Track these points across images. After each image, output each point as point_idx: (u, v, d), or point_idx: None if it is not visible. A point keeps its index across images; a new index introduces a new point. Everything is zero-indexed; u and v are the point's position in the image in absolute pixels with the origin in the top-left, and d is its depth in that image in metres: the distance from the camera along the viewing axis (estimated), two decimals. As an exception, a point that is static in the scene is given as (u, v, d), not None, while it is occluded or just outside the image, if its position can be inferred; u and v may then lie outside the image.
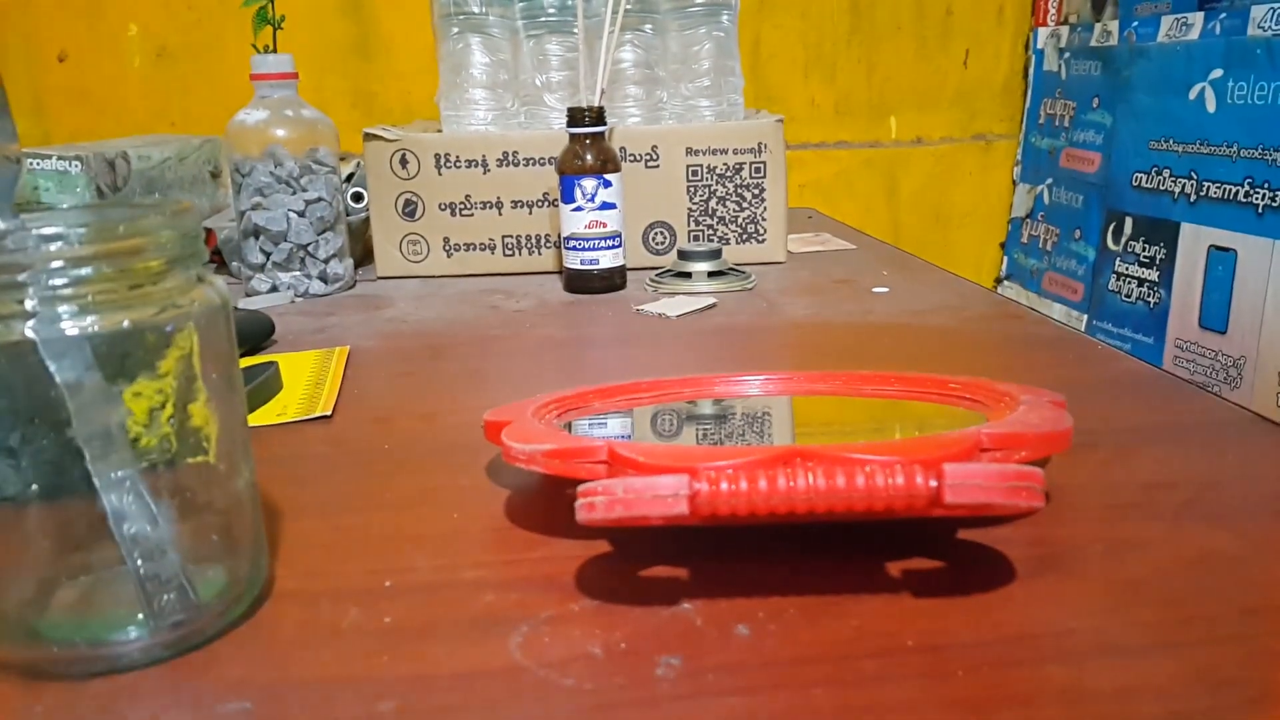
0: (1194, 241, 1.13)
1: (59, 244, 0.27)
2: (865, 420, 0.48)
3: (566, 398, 0.45)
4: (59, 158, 0.90)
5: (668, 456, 0.32)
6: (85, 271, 0.27)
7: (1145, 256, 1.22)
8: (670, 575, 0.34)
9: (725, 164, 0.90)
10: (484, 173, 0.89)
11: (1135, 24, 1.25)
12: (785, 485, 0.28)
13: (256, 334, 0.69)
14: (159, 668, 0.30)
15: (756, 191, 0.90)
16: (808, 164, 1.52)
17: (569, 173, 0.81)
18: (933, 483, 0.28)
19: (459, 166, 0.89)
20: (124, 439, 0.29)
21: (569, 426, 0.43)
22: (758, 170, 0.90)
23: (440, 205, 0.90)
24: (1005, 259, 1.60)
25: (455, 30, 0.91)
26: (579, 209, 0.81)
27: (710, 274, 0.83)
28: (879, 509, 0.28)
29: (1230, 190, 1.07)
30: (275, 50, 0.83)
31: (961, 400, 0.43)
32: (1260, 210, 1.03)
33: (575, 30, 0.88)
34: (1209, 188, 1.11)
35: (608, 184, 0.81)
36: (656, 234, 0.91)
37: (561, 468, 0.34)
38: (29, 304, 0.27)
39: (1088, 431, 0.45)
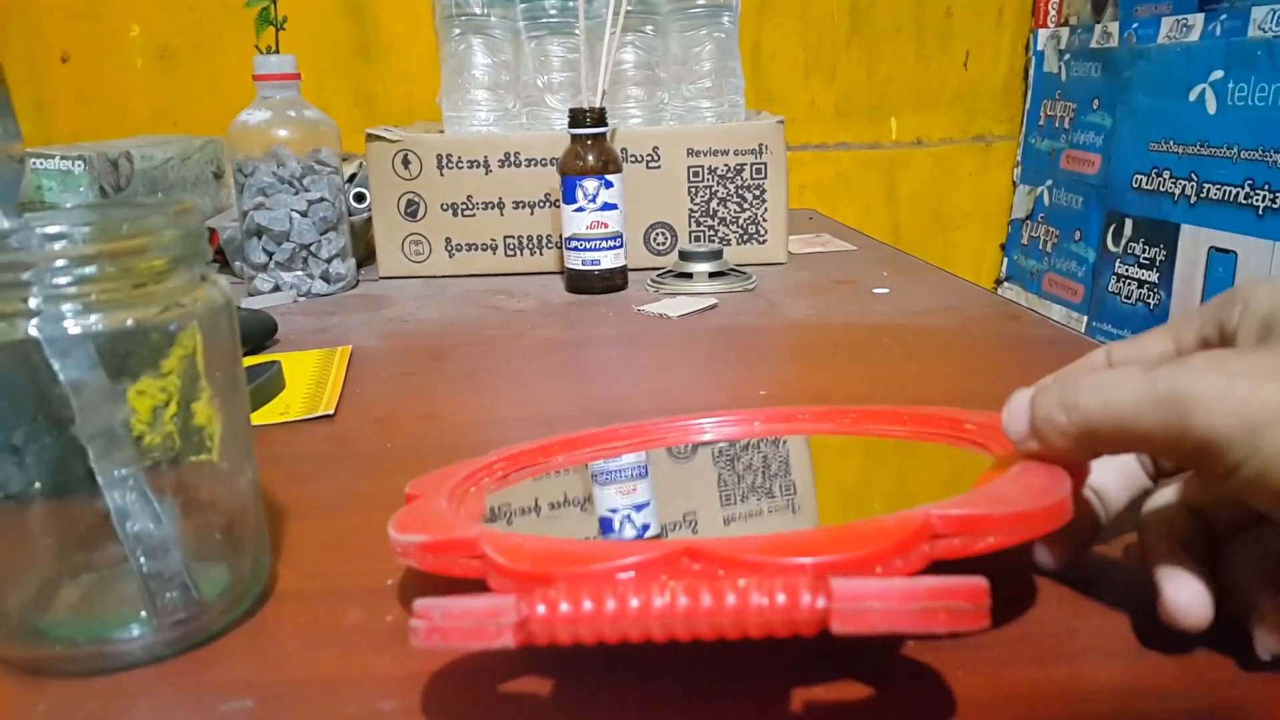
0: (1194, 243, 1.13)
1: (63, 243, 0.27)
2: (851, 474, 0.43)
3: (510, 456, 0.39)
4: (62, 157, 0.90)
5: (531, 558, 0.25)
6: (89, 270, 0.28)
7: (1145, 258, 1.22)
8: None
9: (726, 165, 0.90)
10: (486, 173, 0.90)
11: (1135, 25, 1.25)
12: (638, 607, 0.22)
13: (259, 333, 0.69)
14: (161, 666, 0.30)
15: (757, 192, 0.90)
16: (808, 165, 1.52)
17: (570, 173, 0.81)
18: (820, 602, 0.22)
19: (461, 167, 0.89)
20: (127, 437, 0.29)
21: (503, 497, 0.37)
22: (758, 171, 0.90)
23: (442, 205, 0.90)
24: (1005, 260, 1.60)
25: (457, 31, 0.91)
26: (580, 209, 0.81)
27: (711, 275, 0.83)
28: (757, 635, 0.22)
29: (1230, 192, 1.07)
30: (277, 51, 0.83)
31: (976, 445, 0.36)
32: (1260, 212, 1.03)
33: (577, 31, 0.88)
34: (1209, 189, 1.11)
35: (609, 185, 0.81)
36: (658, 235, 0.91)
37: (436, 564, 0.28)
38: (33, 302, 0.27)
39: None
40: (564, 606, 0.23)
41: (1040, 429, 0.28)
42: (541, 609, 0.23)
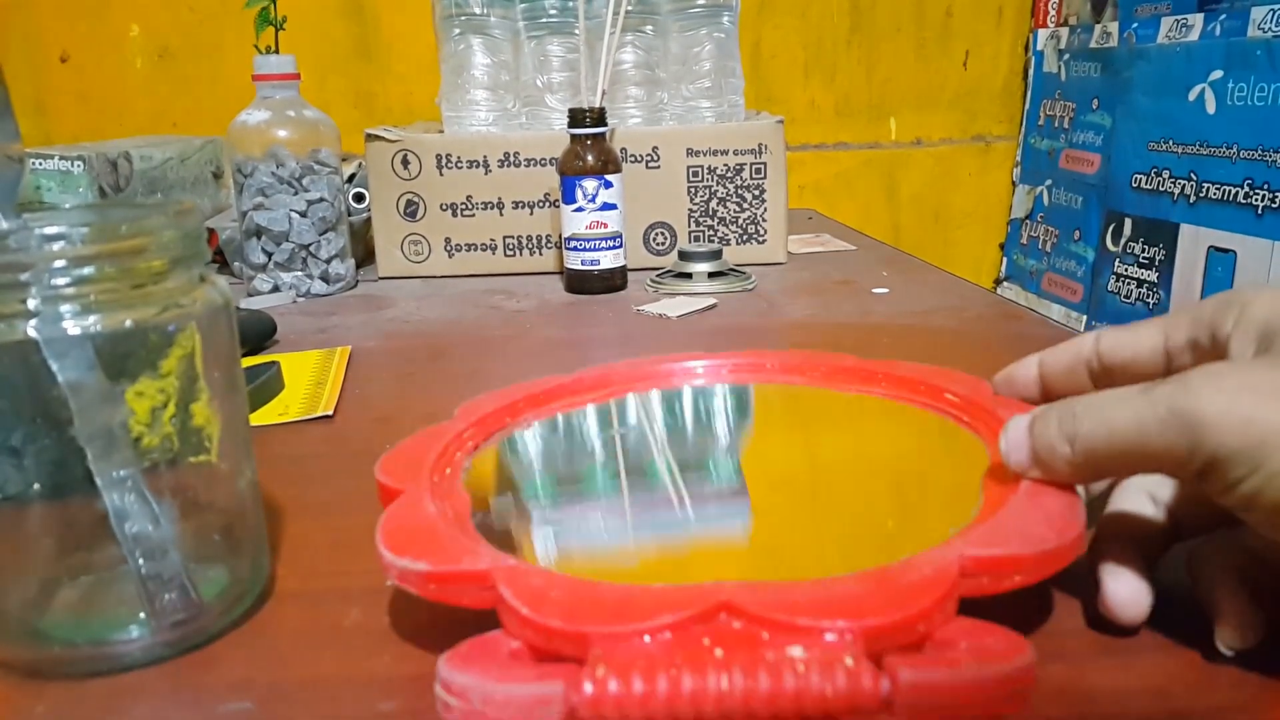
0: (1193, 242, 1.13)
1: (61, 243, 0.27)
2: (834, 453, 0.41)
3: (478, 422, 0.38)
4: (61, 158, 0.90)
5: (559, 611, 0.25)
6: (87, 271, 0.28)
7: (1144, 257, 1.22)
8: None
9: (726, 165, 0.90)
10: (485, 173, 0.90)
11: (1135, 25, 1.25)
12: (691, 688, 0.22)
13: (258, 334, 0.69)
14: (160, 667, 0.30)
15: (757, 192, 0.90)
16: (808, 165, 1.52)
17: (570, 173, 0.81)
18: (885, 685, 0.22)
19: (460, 167, 0.89)
20: (126, 438, 0.29)
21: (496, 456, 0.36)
22: (758, 171, 0.90)
23: (441, 206, 0.90)
24: (1005, 260, 1.60)
25: (457, 31, 0.91)
26: (580, 209, 0.81)
27: (711, 275, 0.83)
28: (816, 716, 0.22)
29: (1230, 191, 1.07)
30: (277, 51, 0.83)
31: (960, 420, 0.37)
32: (1260, 211, 1.03)
33: (576, 31, 0.88)
34: (1208, 189, 1.11)
35: (609, 185, 0.81)
36: (657, 235, 0.91)
37: (442, 595, 0.27)
38: (31, 303, 0.27)
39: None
40: (613, 686, 0.22)
41: (1043, 458, 0.29)
42: (589, 688, 0.22)
